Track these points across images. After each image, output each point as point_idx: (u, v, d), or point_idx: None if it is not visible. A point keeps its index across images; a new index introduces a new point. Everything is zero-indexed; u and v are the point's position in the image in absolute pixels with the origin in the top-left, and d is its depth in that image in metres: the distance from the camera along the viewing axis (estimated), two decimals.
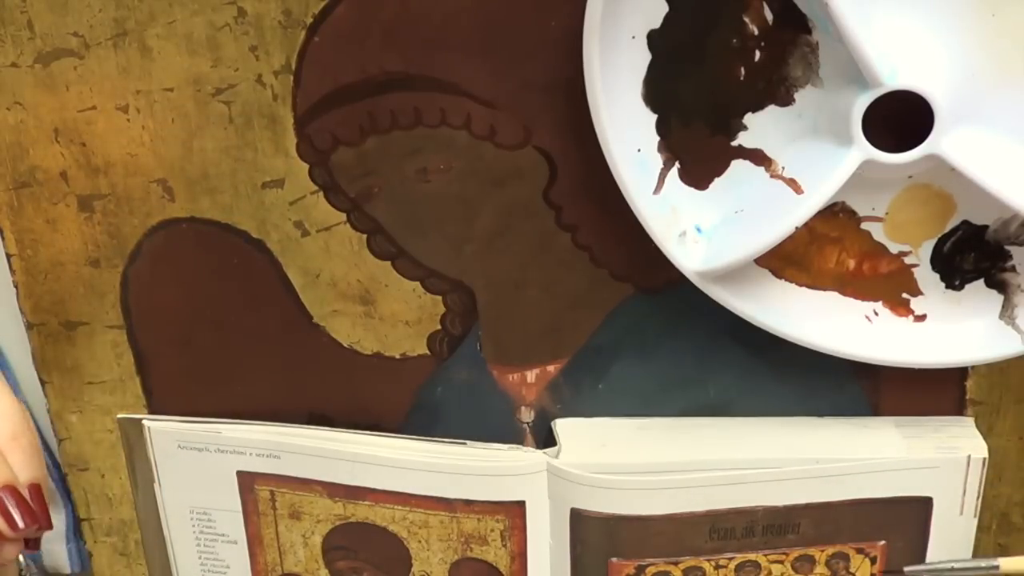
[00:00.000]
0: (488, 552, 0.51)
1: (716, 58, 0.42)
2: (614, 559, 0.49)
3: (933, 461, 0.48)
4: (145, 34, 0.44)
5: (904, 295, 0.46)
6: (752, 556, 0.50)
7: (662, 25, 0.41)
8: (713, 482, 0.48)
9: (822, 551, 0.50)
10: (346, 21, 0.43)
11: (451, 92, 0.44)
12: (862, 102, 0.40)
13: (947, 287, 0.46)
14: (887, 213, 0.45)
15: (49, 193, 0.47)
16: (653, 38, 0.42)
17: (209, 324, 0.50)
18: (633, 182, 0.43)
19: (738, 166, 0.44)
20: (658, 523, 0.48)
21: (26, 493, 0.38)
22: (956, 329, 0.46)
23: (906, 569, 0.38)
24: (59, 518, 0.55)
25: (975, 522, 0.50)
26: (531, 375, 0.50)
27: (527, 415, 0.51)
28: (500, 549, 0.51)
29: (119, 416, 0.51)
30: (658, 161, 0.44)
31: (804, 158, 0.43)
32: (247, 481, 0.51)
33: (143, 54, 0.44)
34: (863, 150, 0.41)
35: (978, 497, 0.49)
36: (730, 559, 0.50)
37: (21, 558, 0.50)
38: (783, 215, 0.42)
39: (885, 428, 0.50)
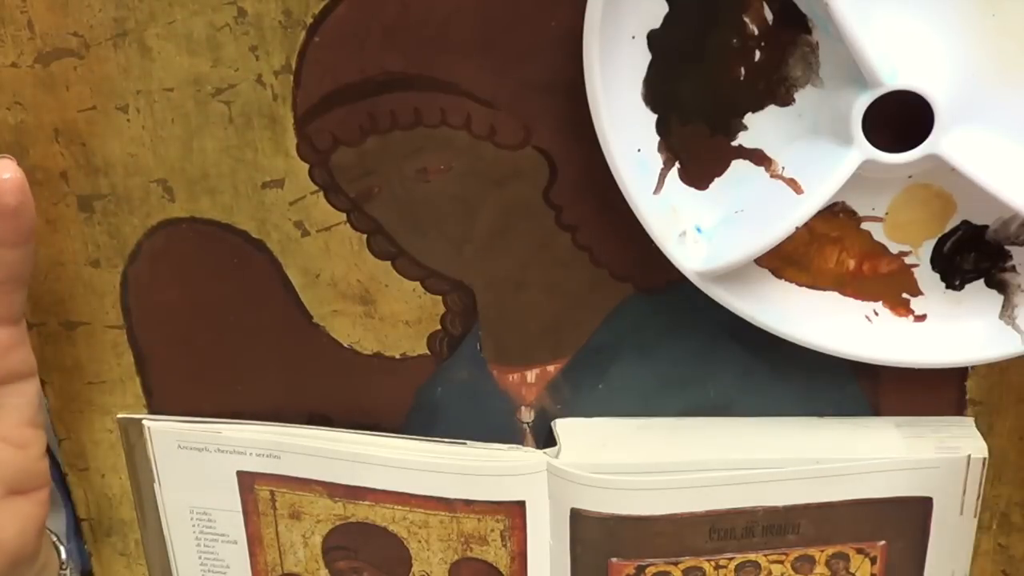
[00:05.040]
0: (488, 552, 0.51)
1: (716, 58, 0.42)
2: (614, 559, 0.49)
3: (933, 461, 0.48)
4: (145, 34, 0.44)
5: (904, 295, 0.46)
6: (752, 556, 0.50)
7: (662, 25, 0.41)
8: (713, 482, 0.48)
9: (822, 551, 0.50)
10: (346, 21, 0.43)
11: (451, 92, 0.44)
12: (862, 102, 0.40)
13: (947, 287, 0.46)
14: (887, 213, 0.45)
15: (49, 193, 0.47)
16: (653, 38, 0.42)
17: (209, 324, 0.50)
18: (633, 182, 0.43)
19: (738, 166, 0.44)
20: (658, 523, 0.48)
21: None
22: (956, 329, 0.46)
23: None
24: (59, 518, 0.55)
25: (975, 522, 0.50)
26: (531, 375, 0.50)
27: (527, 415, 0.51)
28: (500, 549, 0.51)
29: (119, 416, 0.51)
30: (658, 161, 0.44)
31: (804, 158, 0.43)
32: (247, 481, 0.51)
33: (143, 54, 0.44)
34: (863, 150, 0.41)
35: (978, 497, 0.49)
36: (730, 559, 0.50)
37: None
38: (783, 215, 0.42)
39: (885, 428, 0.50)
